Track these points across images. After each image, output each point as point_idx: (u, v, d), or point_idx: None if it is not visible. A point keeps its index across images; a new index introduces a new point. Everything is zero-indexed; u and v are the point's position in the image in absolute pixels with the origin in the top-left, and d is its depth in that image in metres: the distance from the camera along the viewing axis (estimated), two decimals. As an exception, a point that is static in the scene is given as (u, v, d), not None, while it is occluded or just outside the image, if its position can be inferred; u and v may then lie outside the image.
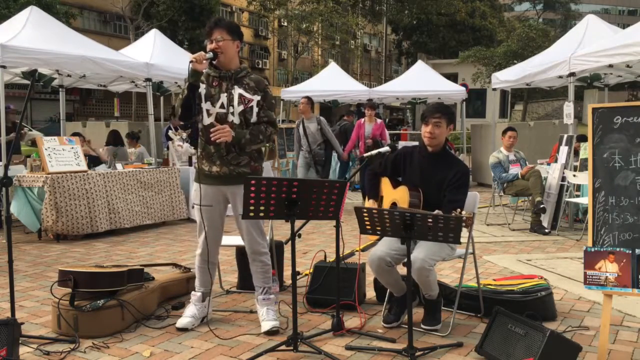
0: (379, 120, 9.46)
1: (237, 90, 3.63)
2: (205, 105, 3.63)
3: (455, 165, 3.76)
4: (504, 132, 7.83)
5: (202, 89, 3.62)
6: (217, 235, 3.80)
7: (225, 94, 3.61)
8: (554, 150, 9.08)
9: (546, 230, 7.12)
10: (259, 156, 3.76)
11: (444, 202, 3.59)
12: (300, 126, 8.86)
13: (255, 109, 3.65)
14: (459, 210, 3.42)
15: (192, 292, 3.88)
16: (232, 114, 3.60)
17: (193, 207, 3.81)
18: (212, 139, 3.52)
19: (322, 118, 8.93)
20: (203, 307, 3.84)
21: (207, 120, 3.63)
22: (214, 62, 3.60)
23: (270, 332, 3.63)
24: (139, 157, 9.32)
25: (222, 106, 3.61)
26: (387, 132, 9.57)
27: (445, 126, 3.77)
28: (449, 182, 3.68)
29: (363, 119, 9.37)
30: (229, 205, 3.80)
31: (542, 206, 7.10)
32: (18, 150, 8.69)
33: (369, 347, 3.41)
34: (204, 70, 3.56)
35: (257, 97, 3.66)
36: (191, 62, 3.46)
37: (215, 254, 3.87)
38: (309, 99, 8.86)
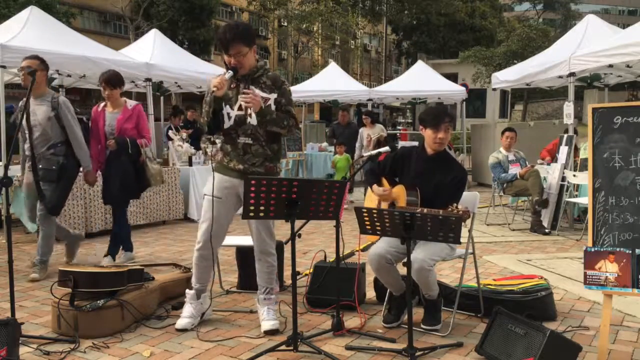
0: (130, 104, 5.41)
1: (254, 91, 3.63)
2: (225, 109, 3.64)
3: (453, 170, 3.78)
4: (502, 133, 7.86)
5: None
6: (219, 230, 3.74)
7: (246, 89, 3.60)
8: (550, 145, 9.08)
9: (546, 230, 7.12)
10: (275, 156, 3.75)
11: (439, 205, 3.59)
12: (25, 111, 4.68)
13: (273, 107, 3.66)
14: (455, 204, 3.43)
15: (187, 290, 3.86)
16: (250, 115, 3.62)
17: (204, 197, 3.78)
18: (241, 102, 3.54)
19: (63, 98, 5.07)
20: (199, 305, 3.83)
21: (227, 124, 3.65)
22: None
23: (270, 332, 3.64)
24: None
25: (240, 108, 3.62)
26: (148, 125, 5.94)
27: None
28: (446, 186, 3.69)
29: (102, 104, 5.45)
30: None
31: (544, 198, 7.10)
32: (18, 150, 8.69)
33: (369, 347, 3.41)
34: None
35: (274, 96, 3.67)
36: (213, 91, 3.46)
37: (212, 247, 3.75)
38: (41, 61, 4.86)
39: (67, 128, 4.96)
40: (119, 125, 5.29)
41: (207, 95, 3.70)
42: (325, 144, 14.37)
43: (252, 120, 3.62)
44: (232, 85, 3.65)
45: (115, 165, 5.30)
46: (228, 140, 3.70)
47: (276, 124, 3.62)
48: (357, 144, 10.18)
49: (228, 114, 3.65)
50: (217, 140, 3.77)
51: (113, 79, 5.32)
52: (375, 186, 3.91)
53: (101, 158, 5.37)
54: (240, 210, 3.71)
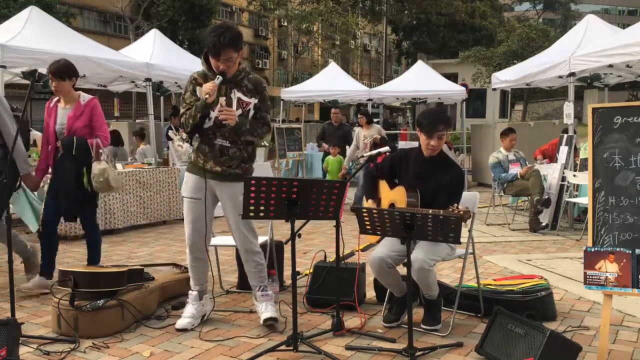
0: (84, 98, 4.58)
1: (236, 94, 3.65)
2: None
3: (451, 169, 3.79)
4: (505, 134, 7.79)
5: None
6: (202, 229, 3.74)
7: (224, 98, 3.62)
8: (546, 145, 9.08)
9: (543, 224, 7.11)
10: (250, 158, 3.77)
11: (439, 206, 3.59)
12: None
13: (252, 112, 3.69)
14: (455, 205, 3.43)
15: (189, 292, 3.89)
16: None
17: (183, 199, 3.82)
18: (218, 118, 3.55)
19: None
20: (201, 306, 3.85)
21: (206, 124, 3.65)
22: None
23: (269, 322, 3.67)
24: (141, 156, 9.32)
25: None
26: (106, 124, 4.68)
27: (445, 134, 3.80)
28: (445, 186, 3.69)
29: (55, 99, 4.64)
30: (219, 205, 3.81)
31: (546, 197, 7.10)
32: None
33: (369, 347, 3.41)
34: (202, 69, 3.58)
35: (254, 100, 3.69)
36: (205, 98, 3.48)
37: (202, 248, 3.78)
38: None
39: (0, 127, 4.29)
40: (69, 124, 4.43)
41: (185, 93, 3.72)
42: (325, 144, 14.35)
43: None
44: None
45: (59, 172, 4.52)
46: (205, 140, 3.69)
47: (250, 133, 3.66)
48: (352, 146, 9.35)
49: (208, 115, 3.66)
50: (184, 134, 3.78)
51: (60, 70, 4.43)
52: (370, 201, 3.93)
53: (49, 160, 4.57)
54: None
